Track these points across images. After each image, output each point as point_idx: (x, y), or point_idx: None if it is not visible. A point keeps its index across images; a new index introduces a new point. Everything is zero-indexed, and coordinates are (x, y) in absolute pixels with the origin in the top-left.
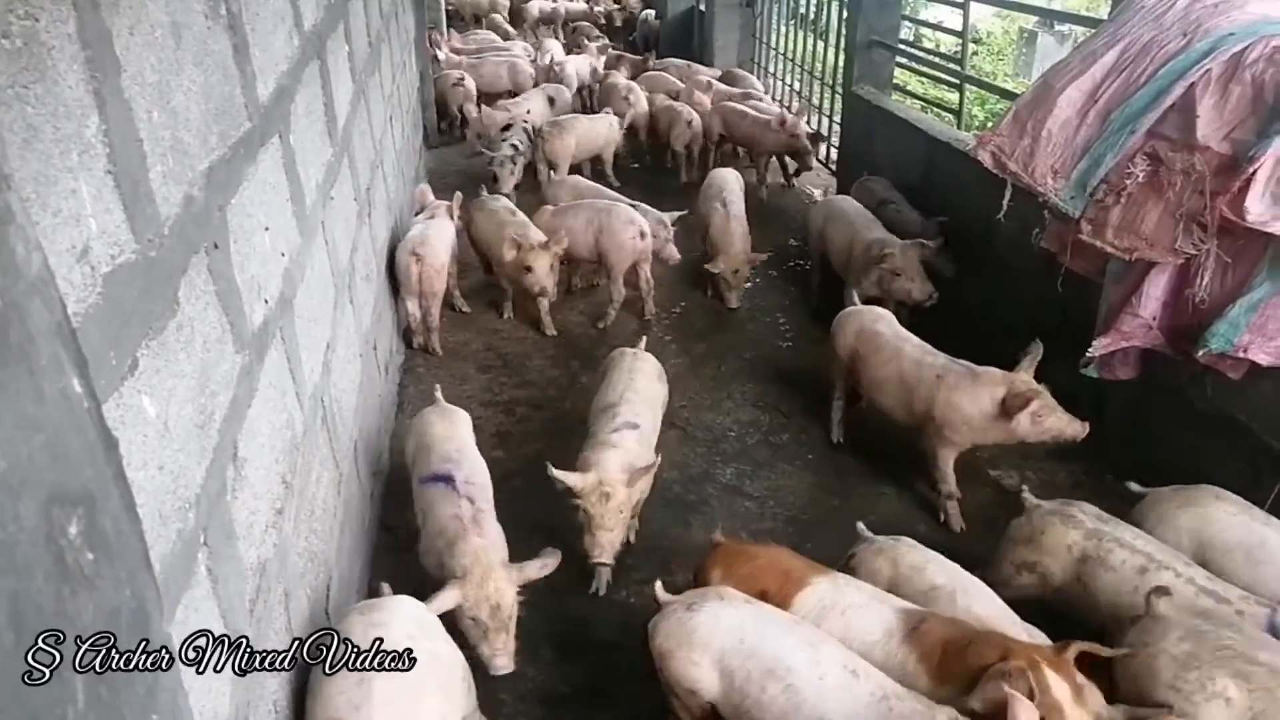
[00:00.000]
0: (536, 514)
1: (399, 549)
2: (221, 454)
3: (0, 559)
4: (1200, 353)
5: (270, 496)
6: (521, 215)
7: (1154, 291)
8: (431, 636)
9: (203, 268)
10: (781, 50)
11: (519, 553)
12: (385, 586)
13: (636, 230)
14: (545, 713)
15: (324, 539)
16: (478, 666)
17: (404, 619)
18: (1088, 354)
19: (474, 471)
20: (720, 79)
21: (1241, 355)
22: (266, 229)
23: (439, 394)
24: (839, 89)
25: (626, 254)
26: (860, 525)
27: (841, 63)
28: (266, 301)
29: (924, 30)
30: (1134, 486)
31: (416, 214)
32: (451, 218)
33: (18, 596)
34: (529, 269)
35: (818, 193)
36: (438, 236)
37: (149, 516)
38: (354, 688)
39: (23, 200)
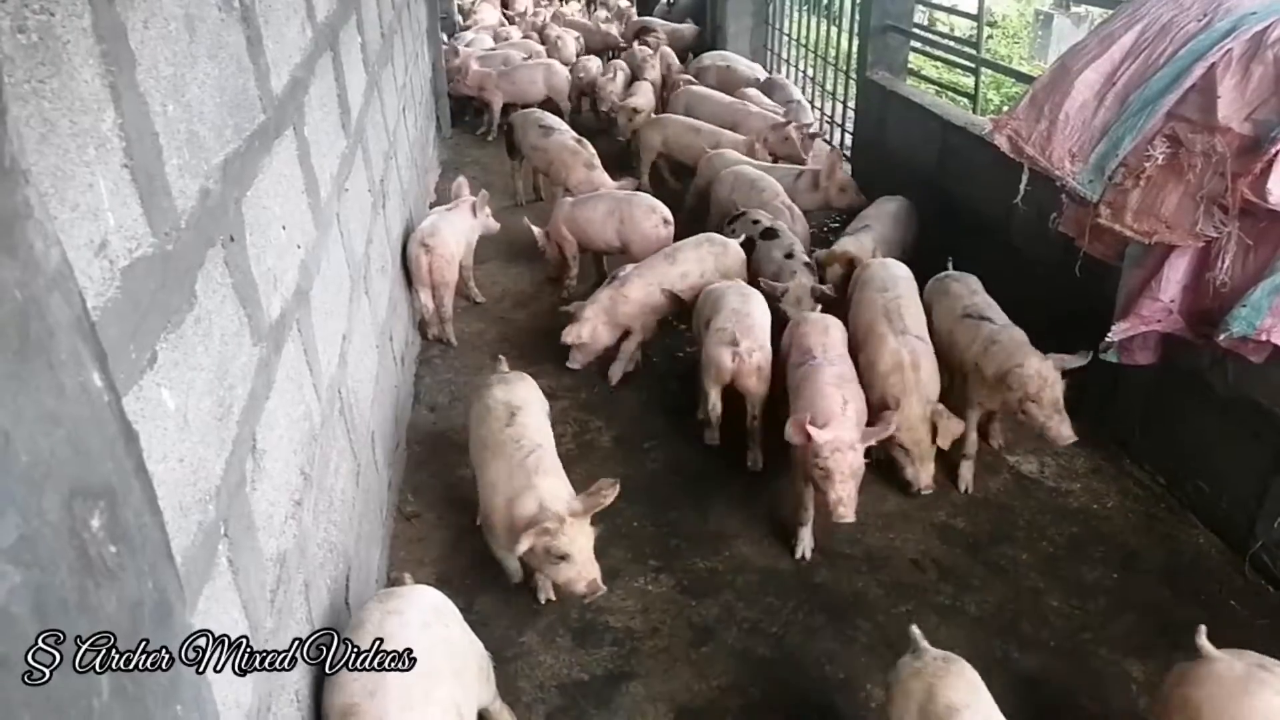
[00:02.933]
0: None
1: (417, 538)
2: (240, 446)
3: (24, 553)
4: (1221, 337)
5: (289, 488)
6: None
7: (1174, 275)
8: (447, 623)
9: (219, 261)
10: (794, 36)
11: None
12: (407, 576)
13: (659, 218)
14: (563, 700)
15: (343, 529)
16: (496, 654)
17: (420, 606)
18: (1107, 339)
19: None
20: (760, 86)
21: (1264, 339)
22: (282, 222)
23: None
24: (853, 74)
25: (650, 243)
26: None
27: (855, 48)
28: (283, 294)
29: (938, 14)
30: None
31: (432, 205)
32: (474, 213)
33: (42, 590)
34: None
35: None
36: (449, 227)
37: (170, 509)
38: (368, 674)
39: (41, 195)
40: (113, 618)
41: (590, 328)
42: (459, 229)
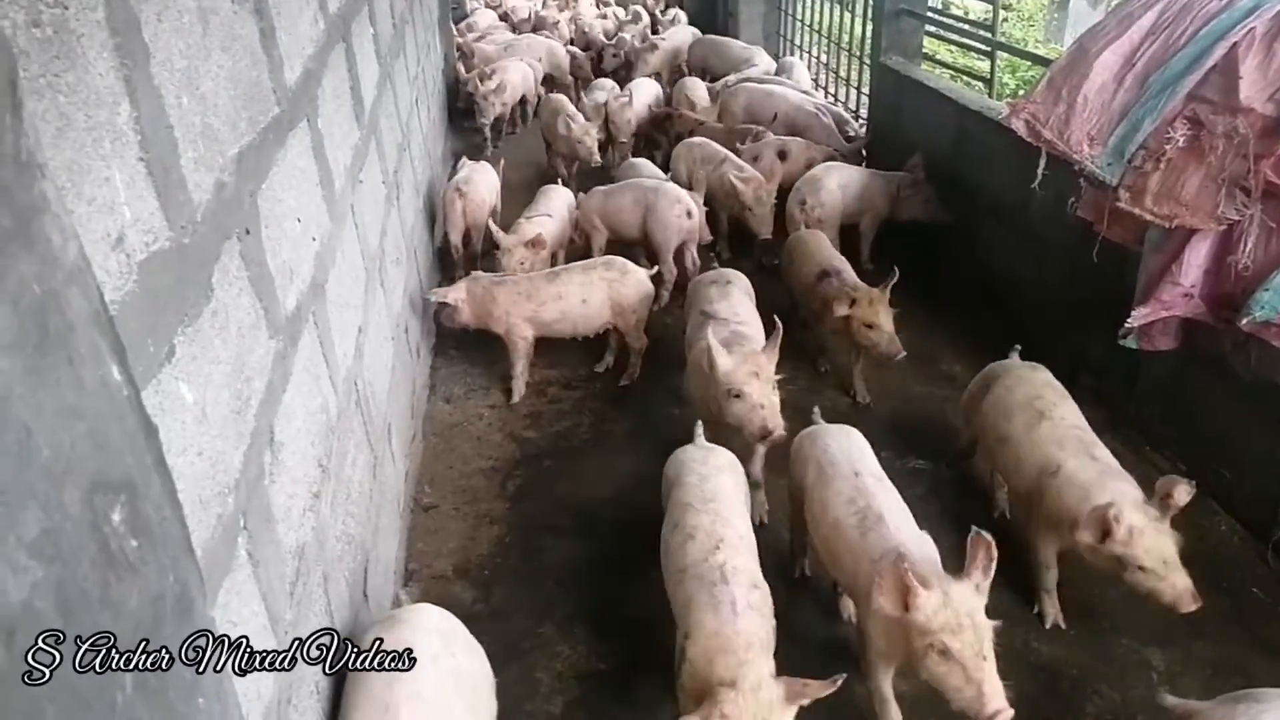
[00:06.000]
0: (567, 494)
1: (434, 530)
2: (259, 439)
3: (46, 547)
4: (1243, 321)
5: (307, 480)
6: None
7: (1195, 259)
8: (455, 652)
9: (235, 254)
10: (807, 21)
11: (550, 529)
12: (404, 595)
13: (683, 209)
14: (582, 691)
15: (360, 521)
16: (513, 646)
17: (428, 635)
18: (1126, 324)
19: None
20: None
21: None
22: (297, 215)
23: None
24: (867, 60)
25: (672, 233)
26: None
27: (869, 32)
28: (299, 287)
29: None
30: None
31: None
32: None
33: (64, 584)
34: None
35: None
36: (481, 178)
37: (189, 502)
38: (380, 714)
39: (58, 189)
40: (134, 612)
41: (455, 295)
42: (490, 179)
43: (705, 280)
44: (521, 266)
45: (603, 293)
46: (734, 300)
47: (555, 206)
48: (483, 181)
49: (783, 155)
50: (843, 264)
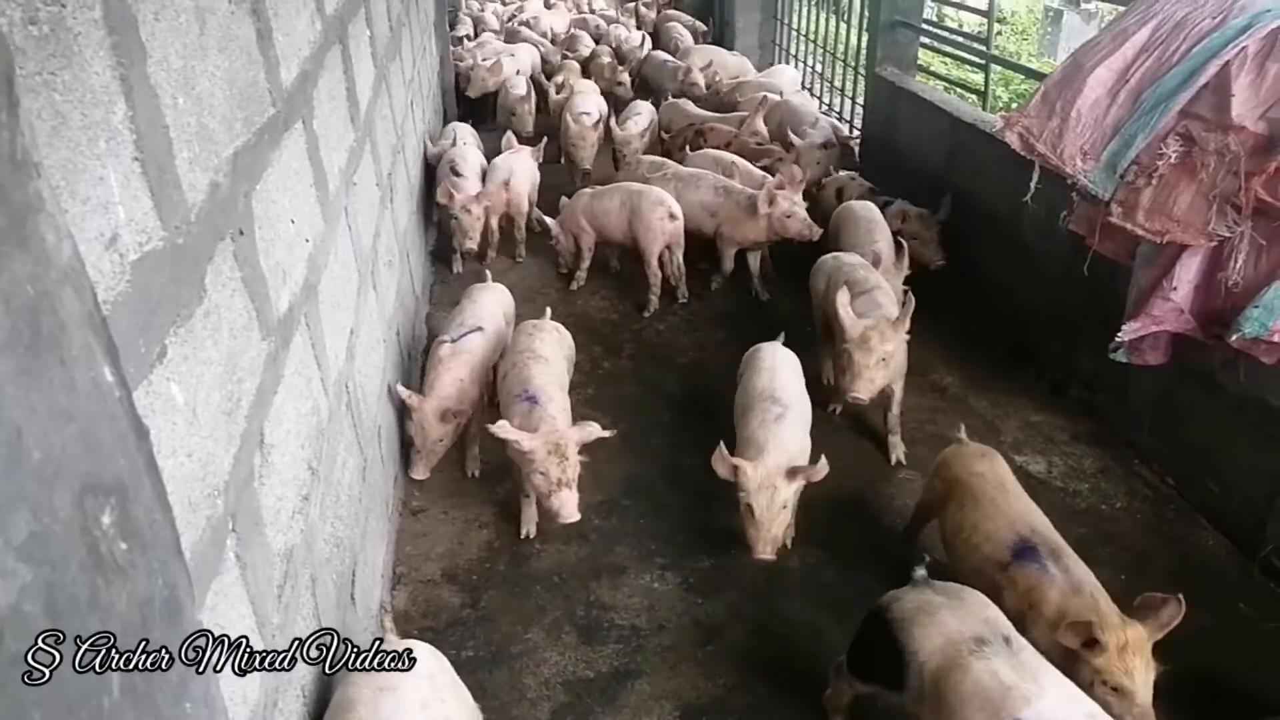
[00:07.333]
0: None
1: (423, 534)
2: (249, 441)
3: (36, 550)
4: (1233, 337)
5: (297, 483)
6: None
7: (1185, 275)
8: (444, 697)
9: (229, 254)
10: (803, 31)
11: (538, 534)
12: (389, 623)
13: (666, 211)
14: (569, 697)
15: (349, 524)
16: (501, 650)
17: (415, 680)
18: (1117, 338)
19: None
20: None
21: (1276, 340)
22: (291, 216)
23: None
24: (862, 70)
25: (656, 236)
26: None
27: (864, 43)
28: (292, 288)
29: (947, 9)
30: None
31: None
32: (534, 157)
33: (53, 587)
34: None
35: None
36: (520, 166)
37: (179, 504)
38: None
39: (52, 188)
40: (123, 615)
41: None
42: (526, 166)
43: None
44: (441, 443)
45: (560, 350)
46: None
47: (486, 313)
48: (522, 170)
49: (840, 194)
50: (1048, 526)
